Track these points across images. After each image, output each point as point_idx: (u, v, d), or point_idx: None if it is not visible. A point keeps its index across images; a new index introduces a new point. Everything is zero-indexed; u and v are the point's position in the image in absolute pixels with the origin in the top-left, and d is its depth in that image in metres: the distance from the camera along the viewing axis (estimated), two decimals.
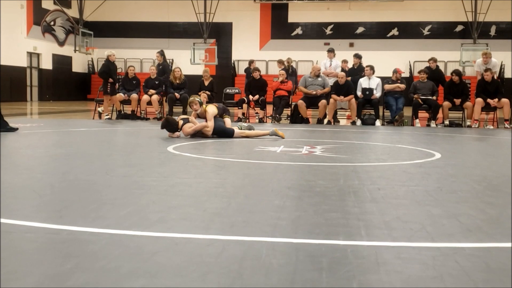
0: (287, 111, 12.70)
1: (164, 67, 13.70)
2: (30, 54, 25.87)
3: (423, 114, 12.40)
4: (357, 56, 13.52)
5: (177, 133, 7.85)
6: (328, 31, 28.90)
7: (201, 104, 8.24)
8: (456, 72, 11.96)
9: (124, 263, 2.22)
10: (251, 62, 16.74)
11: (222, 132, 7.96)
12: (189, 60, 26.92)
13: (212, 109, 8.01)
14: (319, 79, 12.28)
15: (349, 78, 12.61)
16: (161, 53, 13.84)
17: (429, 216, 3.13)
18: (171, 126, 7.82)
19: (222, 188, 3.94)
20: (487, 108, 11.73)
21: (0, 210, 3.10)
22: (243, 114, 12.42)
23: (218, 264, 2.22)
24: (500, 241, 2.65)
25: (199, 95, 8.55)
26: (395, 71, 12.44)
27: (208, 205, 3.35)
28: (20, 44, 24.70)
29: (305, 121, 12.15)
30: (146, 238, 2.59)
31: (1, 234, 2.60)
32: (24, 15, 25.04)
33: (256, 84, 12.76)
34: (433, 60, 12.83)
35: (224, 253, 2.37)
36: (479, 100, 11.47)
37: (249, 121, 12.13)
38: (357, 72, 13.10)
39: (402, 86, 12.23)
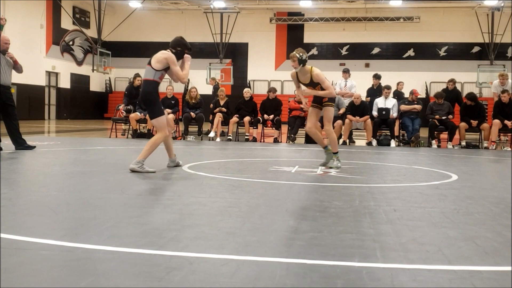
0: (302, 131, 12.69)
1: None
2: (48, 73, 26.27)
3: (440, 135, 12.33)
4: (377, 77, 13.51)
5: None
6: (343, 51, 28.97)
7: (300, 62, 6.81)
8: (468, 97, 11.87)
9: (138, 282, 2.21)
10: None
11: None
12: (205, 80, 27.14)
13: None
14: None
15: (368, 99, 12.58)
16: None
17: (445, 238, 3.09)
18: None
19: (237, 208, 3.93)
20: (504, 129, 11.63)
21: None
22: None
23: (232, 284, 2.21)
24: None
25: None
26: (412, 93, 12.42)
27: (223, 225, 3.34)
28: (39, 63, 25.12)
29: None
30: (161, 257, 2.59)
31: (17, 252, 2.62)
32: (43, 35, 25.50)
33: (271, 104, 12.80)
34: (452, 82, 12.81)
35: (238, 273, 2.36)
36: (496, 121, 11.38)
37: (263, 141, 12.10)
38: (376, 92, 13.07)
39: (418, 107, 12.20)
